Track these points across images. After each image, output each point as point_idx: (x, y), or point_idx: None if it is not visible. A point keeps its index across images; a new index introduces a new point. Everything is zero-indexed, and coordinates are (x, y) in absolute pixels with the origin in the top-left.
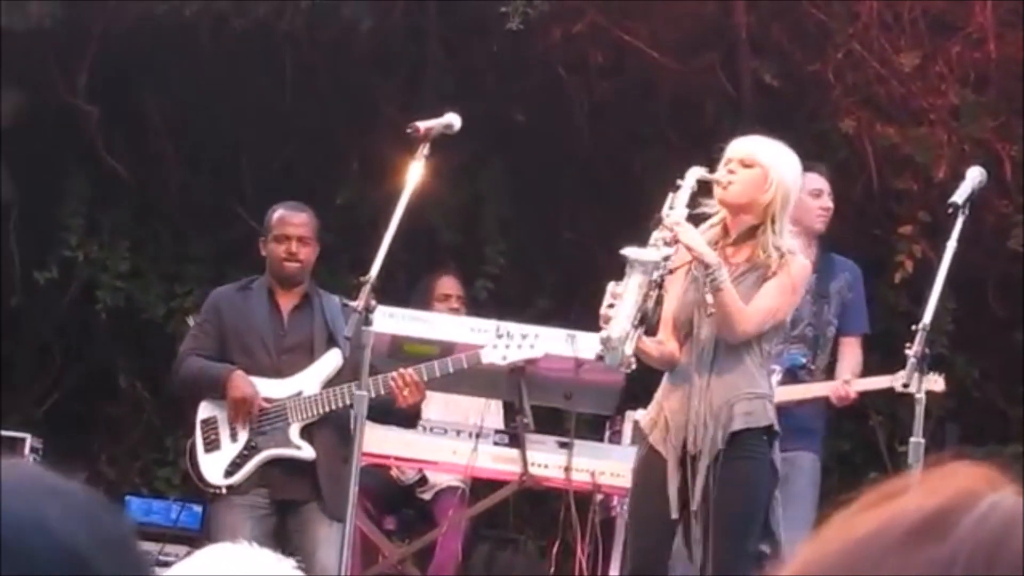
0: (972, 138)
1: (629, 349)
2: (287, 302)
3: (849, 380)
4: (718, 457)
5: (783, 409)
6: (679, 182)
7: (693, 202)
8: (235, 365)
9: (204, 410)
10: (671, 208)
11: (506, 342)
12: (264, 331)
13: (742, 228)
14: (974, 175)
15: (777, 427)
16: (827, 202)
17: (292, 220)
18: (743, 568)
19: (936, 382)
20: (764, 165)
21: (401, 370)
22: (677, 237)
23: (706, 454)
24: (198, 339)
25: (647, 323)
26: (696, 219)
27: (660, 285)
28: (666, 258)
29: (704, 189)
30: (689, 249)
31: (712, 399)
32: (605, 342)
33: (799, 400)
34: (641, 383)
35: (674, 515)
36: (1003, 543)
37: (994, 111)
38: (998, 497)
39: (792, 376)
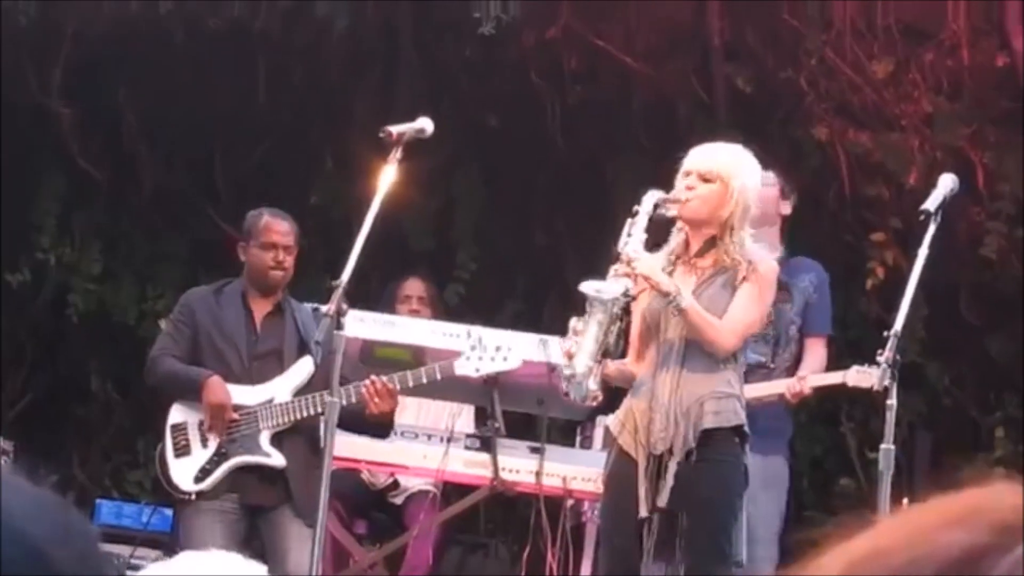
0: (945, 146)
1: (593, 384)
2: (260, 309)
3: (804, 376)
4: (689, 455)
5: (754, 411)
6: (636, 208)
7: (651, 226)
8: (205, 367)
9: (175, 414)
10: (628, 236)
11: (479, 353)
12: (237, 336)
13: (703, 239)
14: (946, 182)
15: (747, 428)
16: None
17: (279, 228)
18: (721, 568)
19: (867, 376)
20: (724, 179)
21: (373, 378)
22: (636, 272)
23: (677, 452)
24: (171, 339)
25: (610, 356)
26: (659, 226)
27: (621, 318)
28: (625, 292)
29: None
30: (646, 280)
31: (682, 397)
32: (569, 379)
33: (756, 398)
34: (613, 388)
35: (642, 514)
36: None
37: (967, 119)
38: None
39: (750, 375)
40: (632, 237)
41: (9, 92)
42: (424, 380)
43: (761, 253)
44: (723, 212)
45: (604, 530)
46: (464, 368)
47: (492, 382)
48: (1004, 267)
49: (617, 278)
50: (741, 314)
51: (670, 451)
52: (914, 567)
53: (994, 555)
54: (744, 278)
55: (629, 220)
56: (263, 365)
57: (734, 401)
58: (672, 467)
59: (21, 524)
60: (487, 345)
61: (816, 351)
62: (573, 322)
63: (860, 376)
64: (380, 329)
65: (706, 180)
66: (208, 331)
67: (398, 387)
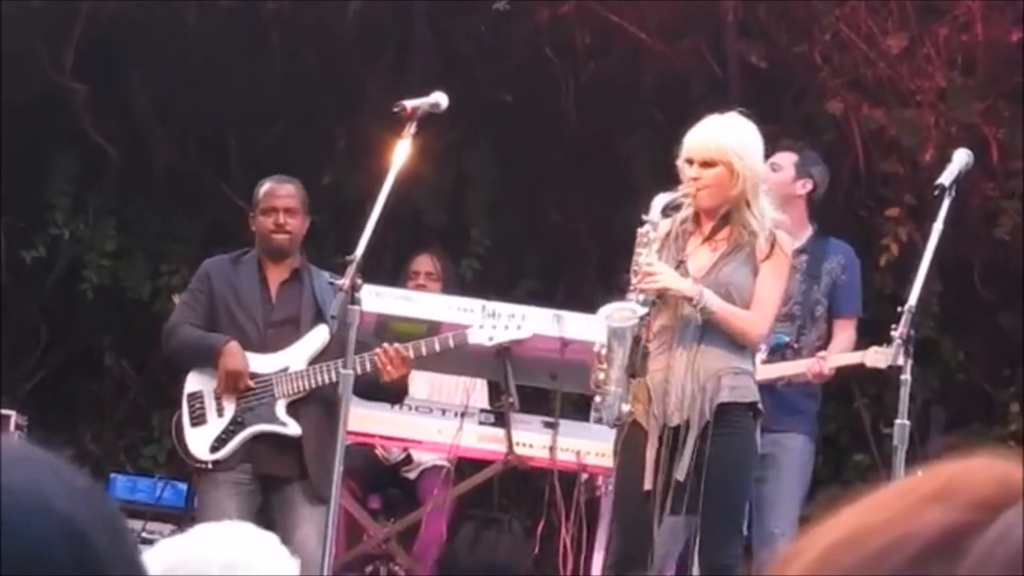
0: (959, 121)
1: (625, 406)
2: (276, 276)
3: (824, 356)
4: (706, 429)
5: (767, 388)
6: (644, 217)
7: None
8: (222, 334)
9: (191, 383)
10: (641, 248)
11: (493, 323)
12: (252, 304)
13: (718, 216)
14: (961, 158)
15: (761, 406)
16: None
17: (278, 192)
18: (735, 543)
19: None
20: (726, 161)
21: (386, 345)
22: (655, 287)
23: (694, 426)
24: (189, 307)
25: (644, 367)
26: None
27: (639, 339)
28: (643, 317)
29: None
30: (667, 291)
31: (699, 371)
32: (599, 406)
33: (777, 378)
34: None
35: (647, 486)
36: (1016, 568)
37: (981, 94)
38: (1012, 515)
39: (776, 355)
40: (646, 248)
41: (23, 71)
42: (437, 349)
43: (780, 225)
44: (733, 192)
45: (616, 504)
46: (477, 336)
47: (505, 352)
48: (1018, 243)
49: (635, 297)
50: (768, 299)
51: (687, 424)
52: (892, 549)
53: (973, 532)
54: (767, 256)
55: (640, 231)
56: (279, 333)
57: (749, 378)
58: (690, 441)
59: (60, 506)
60: (501, 315)
61: (845, 332)
62: (596, 347)
63: (878, 356)
64: (395, 304)
65: (708, 166)
66: (225, 299)
67: (411, 354)
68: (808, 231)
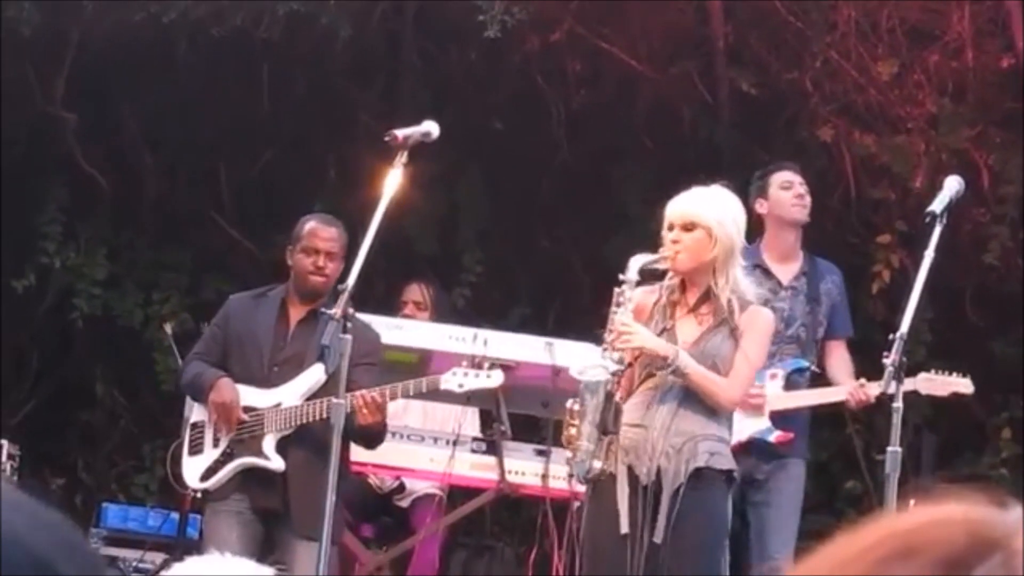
0: (950, 147)
1: (597, 464)
2: (297, 314)
3: (864, 383)
4: (679, 490)
5: (782, 415)
6: (621, 277)
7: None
8: (232, 371)
9: (196, 413)
10: (617, 306)
11: (464, 371)
12: (264, 340)
13: (701, 287)
14: (952, 184)
15: (736, 475)
16: (799, 190)
17: (322, 234)
18: None
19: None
20: (704, 224)
21: (362, 392)
22: (629, 346)
23: (667, 487)
24: (206, 344)
25: (617, 424)
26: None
27: (612, 395)
28: (615, 373)
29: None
30: (643, 351)
31: (674, 434)
32: (570, 462)
33: (816, 405)
34: None
35: (624, 530)
36: None
37: (972, 120)
38: (984, 572)
39: (800, 380)
40: (621, 307)
41: (13, 100)
42: (412, 392)
43: (753, 296)
44: (709, 256)
45: (586, 551)
46: (449, 383)
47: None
48: (1009, 270)
49: (607, 355)
50: (746, 369)
51: (658, 485)
52: None
53: None
54: (744, 328)
55: (616, 290)
56: (284, 370)
57: (726, 447)
58: (665, 501)
59: (27, 540)
60: (492, 351)
61: (842, 353)
62: (569, 403)
63: (930, 384)
64: (386, 332)
65: (688, 230)
66: (239, 334)
67: (388, 399)
68: (801, 253)
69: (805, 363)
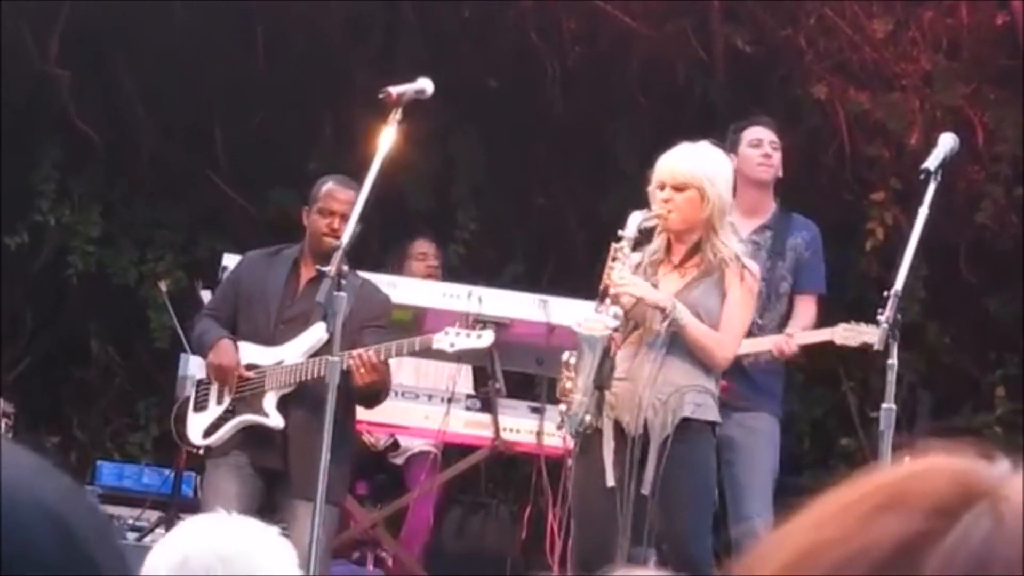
0: (944, 105)
1: (588, 418)
2: (308, 274)
3: (791, 334)
4: (666, 442)
5: (733, 366)
6: (620, 232)
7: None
8: (239, 328)
9: (202, 370)
10: (614, 260)
11: (456, 331)
12: (272, 298)
13: (688, 244)
14: (946, 142)
15: (718, 425)
16: (767, 149)
17: (340, 196)
18: (702, 541)
19: (856, 334)
20: (696, 184)
21: (358, 351)
22: (630, 297)
23: (654, 439)
24: (216, 300)
25: (604, 387)
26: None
27: (610, 350)
28: (615, 328)
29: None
30: (642, 301)
31: (660, 386)
32: (564, 415)
33: (744, 354)
34: None
35: (610, 483)
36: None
37: (967, 78)
38: (970, 520)
39: None
40: (618, 263)
41: (8, 58)
42: (405, 351)
43: (740, 252)
44: (703, 215)
45: (575, 505)
46: (441, 343)
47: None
48: (1003, 227)
49: (604, 311)
50: (738, 323)
51: (645, 437)
52: (846, 567)
53: (929, 543)
54: (735, 279)
55: (614, 245)
56: (289, 328)
57: (712, 398)
58: (652, 453)
59: (39, 494)
60: (487, 308)
61: (806, 309)
62: (566, 356)
63: (848, 334)
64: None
65: (679, 189)
66: (249, 292)
67: (382, 358)
68: (772, 207)
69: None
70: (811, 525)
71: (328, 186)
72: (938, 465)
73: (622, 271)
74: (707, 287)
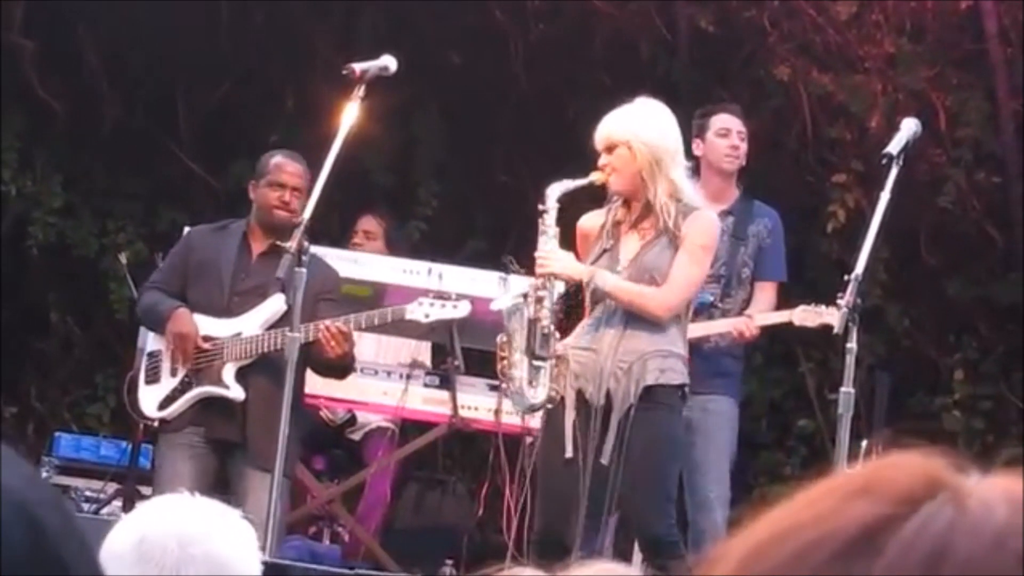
0: (907, 88)
1: (539, 395)
2: (259, 247)
3: (752, 315)
4: (629, 411)
5: (693, 349)
6: (540, 207)
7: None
8: (190, 300)
9: (152, 342)
10: (541, 235)
11: (431, 301)
12: (225, 270)
13: (641, 205)
14: (909, 126)
15: (688, 388)
16: (735, 140)
17: (289, 168)
18: (665, 514)
19: (815, 315)
20: (621, 140)
21: (327, 322)
22: (544, 271)
23: (617, 408)
24: (163, 273)
25: (547, 348)
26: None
27: (536, 320)
28: (524, 294)
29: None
30: (557, 277)
31: (622, 355)
32: (508, 393)
33: (703, 337)
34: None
35: (568, 454)
36: (935, 565)
37: (930, 61)
38: (933, 508)
39: (701, 314)
40: (543, 236)
41: None
42: (376, 322)
43: (699, 203)
44: (634, 170)
45: (540, 474)
46: (415, 313)
47: (443, 327)
48: (964, 211)
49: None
50: (681, 277)
51: (608, 405)
52: (815, 546)
53: (892, 526)
54: (686, 233)
55: (539, 220)
56: (244, 301)
57: (678, 360)
58: (614, 422)
59: (14, 489)
60: (447, 285)
61: (766, 295)
62: (499, 338)
63: (807, 315)
64: (341, 265)
65: (611, 150)
66: (198, 264)
67: (352, 328)
68: (735, 193)
69: (710, 297)
70: (785, 510)
71: (276, 159)
72: (910, 459)
73: (546, 243)
74: (660, 247)
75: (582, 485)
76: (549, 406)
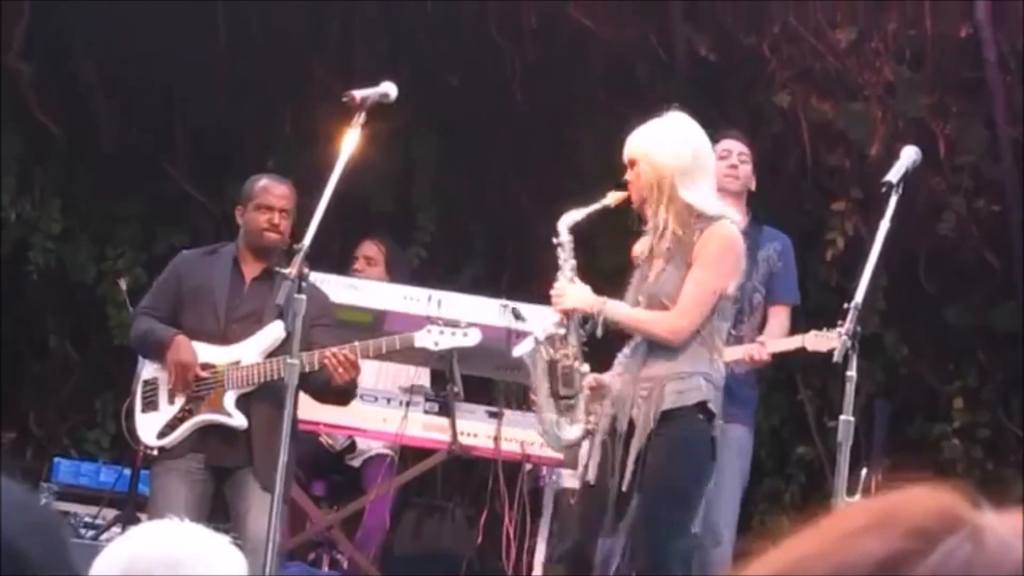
0: (907, 115)
1: (571, 433)
2: (251, 272)
3: (763, 342)
4: (651, 437)
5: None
6: (555, 240)
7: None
8: (184, 326)
9: (148, 370)
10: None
11: (440, 329)
12: (219, 296)
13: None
14: (909, 154)
15: (712, 405)
16: (734, 161)
17: (276, 191)
18: (657, 548)
19: (826, 340)
20: (637, 158)
21: (334, 350)
22: (558, 309)
23: (638, 436)
24: (154, 299)
25: (572, 386)
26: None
27: (555, 362)
28: (549, 336)
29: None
30: (575, 312)
31: (643, 381)
32: (543, 436)
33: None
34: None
35: (590, 480)
36: None
37: (929, 89)
38: (952, 544)
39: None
40: (560, 271)
41: None
42: (384, 350)
43: (727, 213)
44: (645, 189)
45: (579, 499)
46: (424, 340)
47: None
48: (964, 239)
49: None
50: (687, 297)
51: (630, 432)
52: None
53: (910, 561)
54: (699, 250)
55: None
56: (241, 327)
57: (698, 378)
58: (633, 450)
59: (7, 529)
60: (446, 312)
61: (779, 319)
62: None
63: (819, 340)
64: (341, 292)
65: (632, 167)
66: (191, 290)
67: (359, 356)
68: (744, 219)
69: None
70: (797, 542)
71: (263, 183)
72: (923, 494)
73: (559, 283)
74: (670, 271)
75: (607, 513)
76: (585, 442)
